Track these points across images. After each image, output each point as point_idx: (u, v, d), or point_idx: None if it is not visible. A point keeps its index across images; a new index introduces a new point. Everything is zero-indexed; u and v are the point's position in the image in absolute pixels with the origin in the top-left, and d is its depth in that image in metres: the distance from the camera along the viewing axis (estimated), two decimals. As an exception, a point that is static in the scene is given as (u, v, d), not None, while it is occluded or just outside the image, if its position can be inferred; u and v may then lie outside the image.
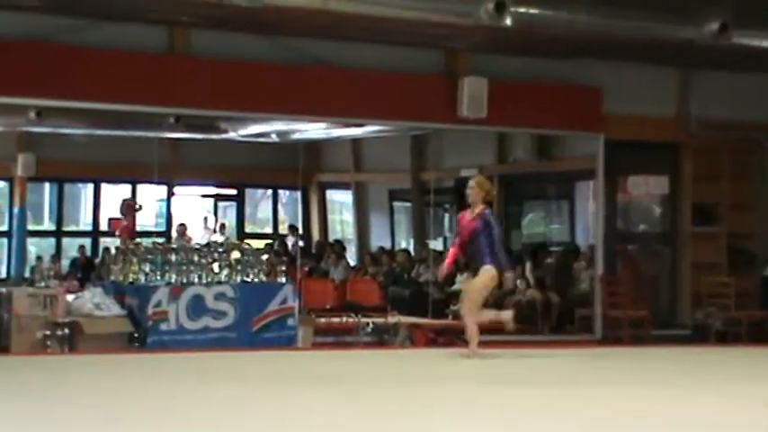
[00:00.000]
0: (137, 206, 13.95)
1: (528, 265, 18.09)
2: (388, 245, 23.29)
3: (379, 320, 15.38)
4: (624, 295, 16.54)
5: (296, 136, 20.70)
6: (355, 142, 23.25)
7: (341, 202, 25.97)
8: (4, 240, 21.80)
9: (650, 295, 16.98)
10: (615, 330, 16.31)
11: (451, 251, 12.23)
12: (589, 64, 16.39)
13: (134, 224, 17.24)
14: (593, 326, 16.61)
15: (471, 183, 11.92)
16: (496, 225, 11.76)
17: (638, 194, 18.32)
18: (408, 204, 23.28)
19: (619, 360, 13.00)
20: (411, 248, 22.21)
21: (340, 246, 23.11)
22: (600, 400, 8.83)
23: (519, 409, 8.25)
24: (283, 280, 14.69)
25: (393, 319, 15.37)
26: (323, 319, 14.98)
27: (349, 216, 25.04)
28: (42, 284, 13.89)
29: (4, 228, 21.89)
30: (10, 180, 22.54)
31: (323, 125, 19.90)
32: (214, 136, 21.18)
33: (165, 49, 15.12)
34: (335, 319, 14.99)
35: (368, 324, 15.31)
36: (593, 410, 8.13)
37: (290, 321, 14.33)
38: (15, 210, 22.61)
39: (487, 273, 11.59)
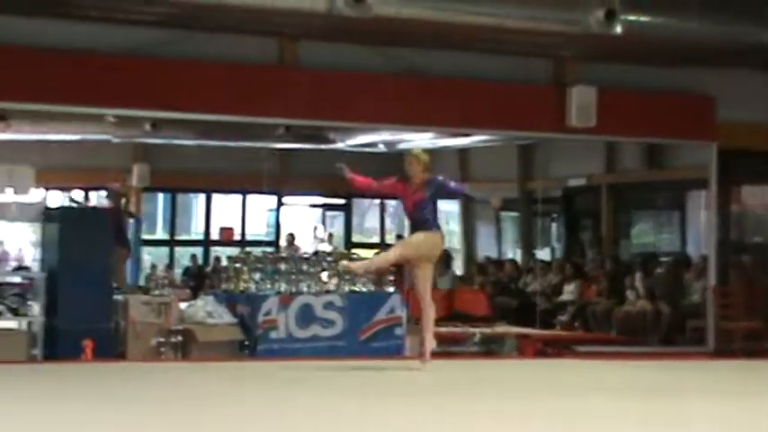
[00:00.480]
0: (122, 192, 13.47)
1: (638, 275, 17.76)
2: (495, 255, 23.12)
3: (487, 330, 15.22)
4: (737, 307, 16.15)
5: (403, 146, 20.63)
6: (462, 152, 23.15)
7: (447, 211, 25.84)
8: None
9: (764, 307, 16.53)
10: (728, 342, 15.91)
11: (368, 181, 11.52)
12: (700, 71, 16.03)
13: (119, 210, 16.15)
14: (706, 338, 16.24)
15: (409, 157, 11.26)
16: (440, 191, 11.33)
17: (753, 204, 17.86)
18: (515, 214, 23.09)
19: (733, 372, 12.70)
20: (518, 258, 22.02)
21: (447, 256, 22.96)
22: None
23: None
24: (391, 290, 14.61)
25: (501, 329, 15.19)
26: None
27: (456, 226, 24.91)
28: (157, 292, 13.98)
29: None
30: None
31: (430, 135, 19.83)
32: (322, 146, 21.22)
33: (275, 60, 15.14)
34: (443, 329, 14.84)
35: (475, 334, 15.16)
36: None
37: (398, 331, 14.26)
38: (131, 219, 22.94)
39: (434, 235, 11.14)
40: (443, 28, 13.29)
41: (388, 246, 24.30)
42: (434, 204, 11.15)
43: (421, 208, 11.10)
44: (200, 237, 25.11)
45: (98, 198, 23.58)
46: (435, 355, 12.14)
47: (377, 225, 26.70)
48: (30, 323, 12.68)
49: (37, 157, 15.21)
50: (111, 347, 12.79)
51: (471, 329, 15.12)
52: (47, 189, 20.44)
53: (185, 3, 12.49)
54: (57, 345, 12.61)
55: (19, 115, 15.60)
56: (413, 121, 16.00)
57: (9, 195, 12.95)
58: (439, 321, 15.03)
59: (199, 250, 24.32)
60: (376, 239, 26.13)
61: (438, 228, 11.19)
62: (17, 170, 12.89)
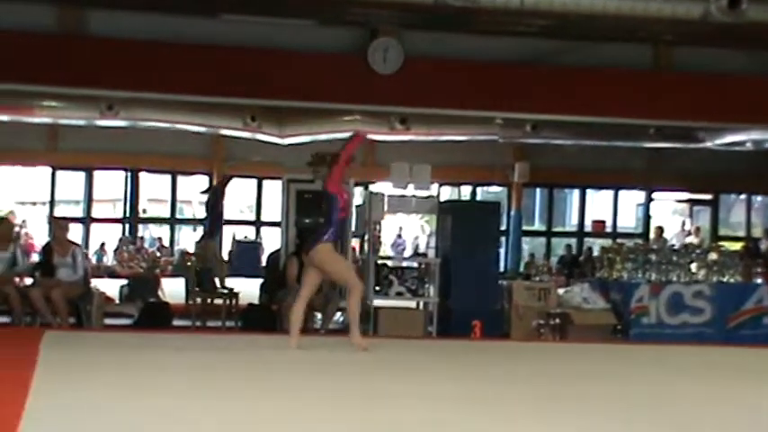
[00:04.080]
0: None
1: None
2: None
3: None
4: None
5: (771, 144, 19.69)
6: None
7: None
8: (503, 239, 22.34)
9: None
10: None
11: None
12: None
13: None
14: None
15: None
16: None
17: None
18: None
19: None
20: None
21: None
22: None
23: None
24: (759, 281, 14.04)
25: None
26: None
27: None
28: (537, 279, 14.16)
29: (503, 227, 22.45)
30: (508, 186, 23.25)
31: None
32: (691, 145, 20.62)
33: (650, 65, 14.96)
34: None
35: None
36: None
37: (766, 320, 13.71)
38: (512, 212, 23.29)
39: None
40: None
41: (755, 239, 23.39)
42: None
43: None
44: (574, 228, 25.14)
45: (482, 193, 24.15)
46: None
47: (742, 220, 25.71)
48: (426, 303, 13.14)
49: (432, 156, 15.70)
50: (497, 327, 13.05)
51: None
52: (440, 185, 21.11)
53: (565, 13, 12.51)
54: (450, 323, 13.00)
55: (417, 119, 16.23)
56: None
57: (409, 190, 13.44)
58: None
59: (572, 241, 24.35)
60: (741, 233, 25.16)
61: None
62: (417, 168, 13.34)
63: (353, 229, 13.40)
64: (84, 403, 6.52)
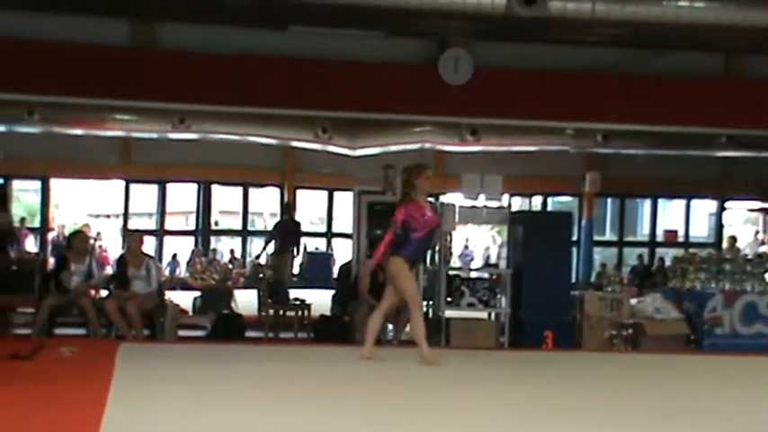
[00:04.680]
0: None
1: None
2: None
3: None
4: None
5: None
6: None
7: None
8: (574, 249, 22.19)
9: None
10: None
11: (386, 239, 9.69)
12: None
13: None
14: None
15: (428, 172, 9.78)
16: None
17: None
18: None
19: None
20: None
21: None
22: None
23: None
24: (833, 291, 13.77)
25: None
26: None
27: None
28: (609, 289, 14.02)
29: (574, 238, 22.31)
30: (579, 196, 23.09)
31: None
32: (763, 154, 20.32)
33: (722, 73, 14.80)
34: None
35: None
36: None
37: (841, 330, 13.45)
38: (583, 222, 23.11)
39: None
40: None
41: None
42: None
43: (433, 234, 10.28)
44: (646, 238, 24.90)
45: (553, 203, 23.99)
46: None
47: (816, 228, 25.31)
48: (498, 314, 13.07)
49: (503, 166, 15.65)
50: (569, 338, 12.94)
51: None
52: (510, 195, 21.03)
53: (635, 22, 12.40)
54: (521, 334, 12.92)
55: (488, 130, 16.21)
56: None
57: (480, 200, 13.38)
58: None
59: (644, 251, 24.10)
60: (817, 242, 24.74)
61: None
62: (488, 178, 13.29)
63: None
64: (160, 416, 6.57)
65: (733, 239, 21.59)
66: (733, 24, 12.24)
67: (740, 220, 27.04)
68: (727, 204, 24.46)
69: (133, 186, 22.69)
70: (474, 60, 14.61)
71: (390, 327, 12.40)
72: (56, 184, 23.23)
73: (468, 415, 6.99)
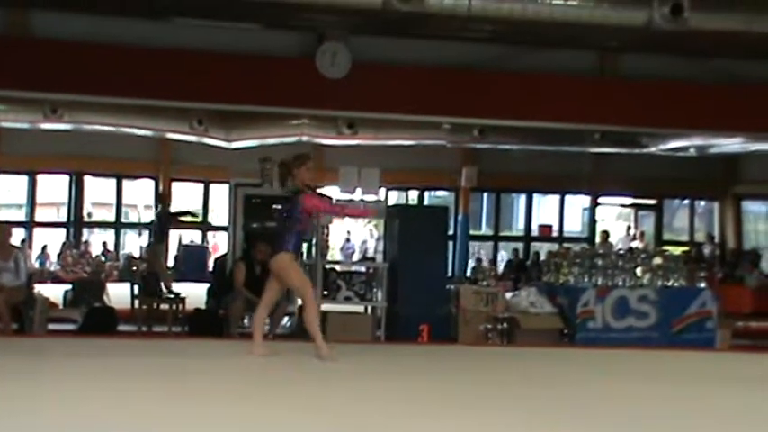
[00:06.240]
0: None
1: None
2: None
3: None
4: None
5: (714, 150, 19.96)
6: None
7: (755, 212, 24.91)
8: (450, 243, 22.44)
9: None
10: None
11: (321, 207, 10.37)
12: None
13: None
14: None
15: (310, 163, 9.94)
16: None
17: None
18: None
19: None
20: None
21: (755, 255, 22.18)
22: None
23: None
24: (702, 285, 14.21)
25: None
26: (740, 323, 14.38)
27: (764, 226, 23.92)
28: (484, 283, 14.20)
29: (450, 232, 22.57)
30: (456, 190, 23.34)
31: (738, 140, 19.10)
32: (636, 150, 20.84)
33: (596, 71, 15.11)
34: (753, 324, 14.34)
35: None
36: None
37: (709, 324, 13.84)
38: (460, 216, 23.37)
39: None
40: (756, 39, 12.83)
41: (698, 244, 23.70)
42: None
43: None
44: (521, 233, 25.30)
45: (430, 198, 24.21)
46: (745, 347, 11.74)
47: (686, 224, 26.02)
48: (374, 308, 13.14)
49: (380, 160, 15.72)
50: (445, 331, 13.07)
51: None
52: (387, 189, 21.13)
53: (512, 19, 12.59)
54: (397, 327, 13.00)
55: (365, 123, 16.28)
56: (724, 127, 15.55)
57: (357, 194, 13.43)
58: (748, 316, 14.61)
59: (519, 245, 24.49)
60: (684, 238, 25.47)
61: None
62: (365, 172, 13.34)
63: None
64: (25, 409, 6.44)
65: (605, 234, 22.08)
66: (606, 23, 12.54)
67: (613, 215, 27.64)
68: (600, 200, 24.97)
69: (1, 177, 22.13)
70: (352, 54, 14.66)
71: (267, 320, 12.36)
72: None
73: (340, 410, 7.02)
